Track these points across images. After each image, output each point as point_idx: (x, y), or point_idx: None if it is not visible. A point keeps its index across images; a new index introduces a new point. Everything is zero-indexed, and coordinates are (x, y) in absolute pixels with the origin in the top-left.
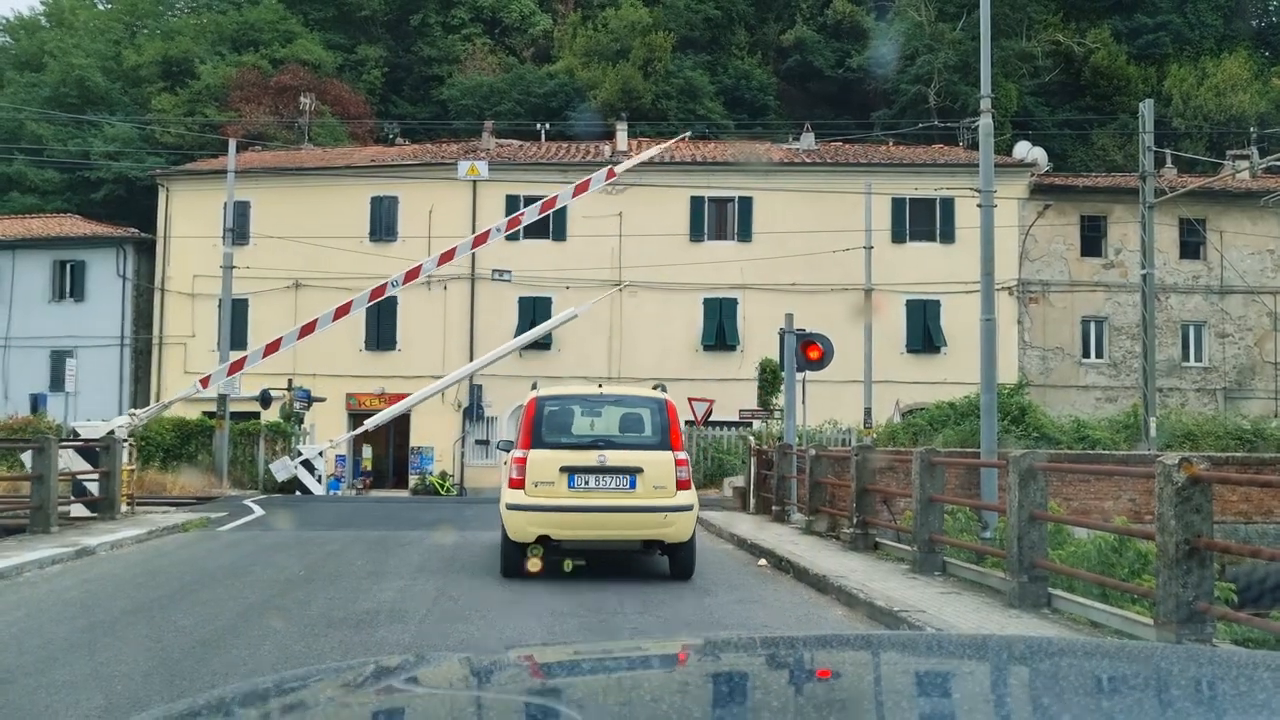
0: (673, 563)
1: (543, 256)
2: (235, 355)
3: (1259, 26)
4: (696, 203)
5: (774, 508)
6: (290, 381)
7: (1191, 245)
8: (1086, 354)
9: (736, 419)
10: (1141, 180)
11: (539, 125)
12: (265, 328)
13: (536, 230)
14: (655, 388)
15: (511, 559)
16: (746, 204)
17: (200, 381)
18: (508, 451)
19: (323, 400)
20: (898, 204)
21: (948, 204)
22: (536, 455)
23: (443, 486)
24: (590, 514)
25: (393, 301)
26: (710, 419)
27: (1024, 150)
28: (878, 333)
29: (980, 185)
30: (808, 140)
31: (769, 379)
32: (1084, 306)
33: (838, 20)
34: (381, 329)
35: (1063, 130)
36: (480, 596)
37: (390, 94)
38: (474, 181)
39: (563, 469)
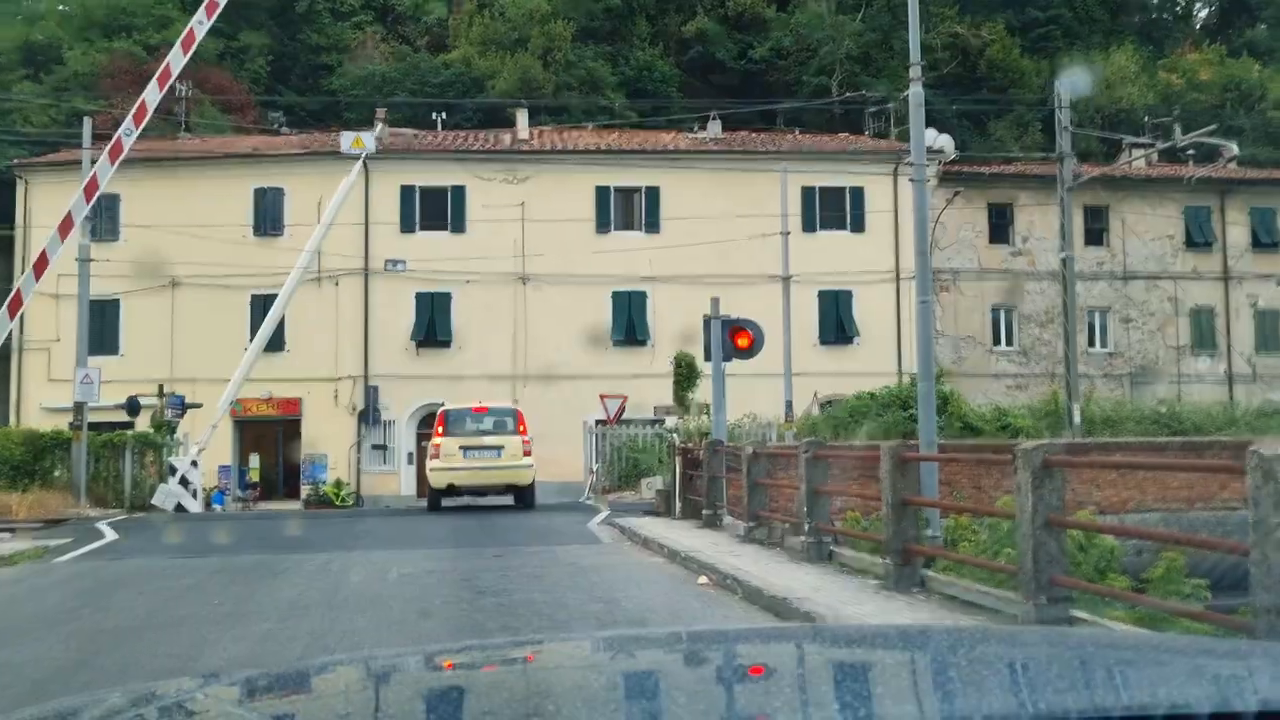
0: (518, 499)
1: (440, 248)
2: (94, 360)
3: (1142, 21)
4: (602, 192)
5: (704, 512)
6: (162, 387)
7: (1095, 232)
8: (997, 342)
9: (651, 416)
10: (1060, 162)
11: (435, 115)
12: (140, 330)
13: (433, 221)
14: (514, 401)
15: (434, 500)
16: (654, 194)
17: None
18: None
19: (199, 406)
20: (807, 193)
21: (858, 192)
22: (446, 440)
23: (338, 497)
24: (476, 470)
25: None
26: (623, 417)
27: (932, 137)
28: (791, 324)
29: (912, 158)
30: (714, 129)
31: (684, 373)
32: (994, 294)
33: (739, 12)
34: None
35: (962, 121)
36: (365, 644)
37: (276, 83)
38: (364, 164)
39: (460, 447)
